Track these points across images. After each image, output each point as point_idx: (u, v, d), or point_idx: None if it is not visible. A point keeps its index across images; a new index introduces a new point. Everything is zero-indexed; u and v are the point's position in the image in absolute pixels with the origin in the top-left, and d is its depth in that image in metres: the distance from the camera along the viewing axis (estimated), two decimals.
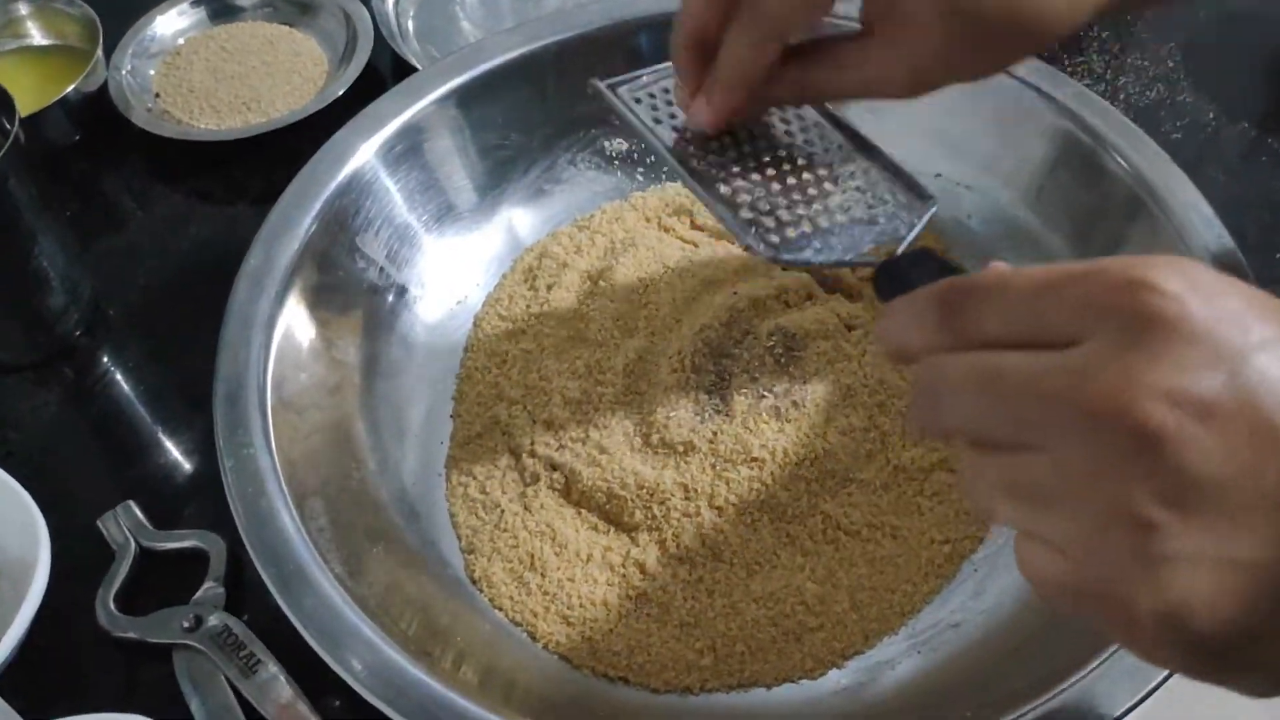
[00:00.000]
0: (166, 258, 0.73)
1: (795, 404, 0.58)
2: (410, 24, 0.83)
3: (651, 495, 0.56)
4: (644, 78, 0.47)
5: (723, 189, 0.43)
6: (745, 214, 0.42)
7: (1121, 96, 0.77)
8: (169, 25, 0.82)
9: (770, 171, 0.44)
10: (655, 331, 0.62)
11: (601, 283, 0.65)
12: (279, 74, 0.80)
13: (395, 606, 0.50)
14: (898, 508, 0.56)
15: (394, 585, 0.52)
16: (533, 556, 0.55)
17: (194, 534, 0.58)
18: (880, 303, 0.39)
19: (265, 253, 0.58)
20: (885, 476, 0.57)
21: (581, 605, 0.53)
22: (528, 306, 0.65)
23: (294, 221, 0.58)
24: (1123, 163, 0.59)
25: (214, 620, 0.54)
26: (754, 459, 0.56)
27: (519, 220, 0.69)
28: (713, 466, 0.56)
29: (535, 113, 0.69)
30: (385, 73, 0.82)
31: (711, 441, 0.56)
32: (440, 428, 0.61)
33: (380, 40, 0.80)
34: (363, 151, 0.61)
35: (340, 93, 0.78)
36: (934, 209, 0.42)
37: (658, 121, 0.46)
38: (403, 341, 0.63)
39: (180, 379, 0.67)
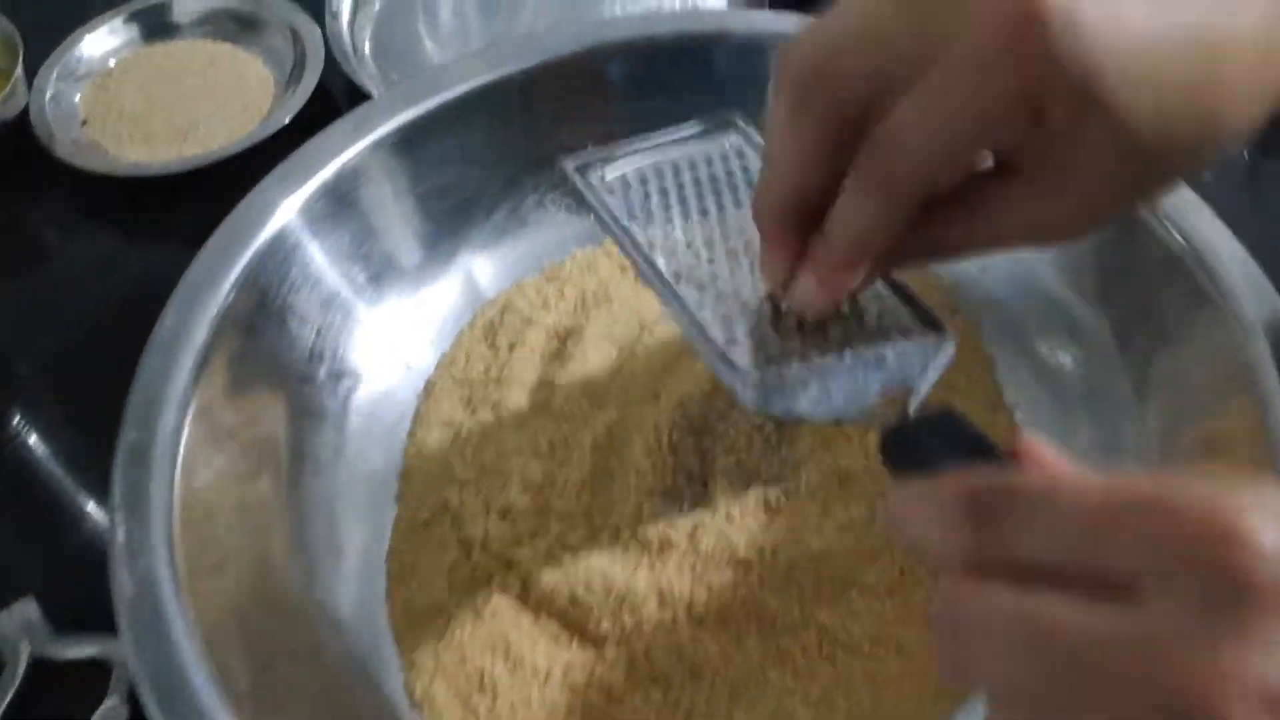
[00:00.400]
0: (88, 306, 0.65)
1: (786, 493, 0.50)
2: (366, 44, 0.76)
3: (621, 602, 0.48)
4: (619, 159, 0.41)
5: (701, 308, 0.36)
6: (724, 341, 0.35)
7: None
8: (98, 44, 0.74)
9: (760, 284, 0.37)
10: (629, 403, 0.54)
11: (570, 343, 0.58)
12: (220, 98, 0.72)
13: None
14: (904, 617, 0.49)
15: (319, 713, 0.44)
16: (482, 674, 0.48)
17: (99, 640, 0.50)
18: (889, 475, 0.33)
19: (180, 318, 0.50)
20: (890, 580, 0.49)
21: None
22: (486, 369, 0.58)
23: (212, 283, 0.51)
24: (1162, 218, 0.52)
25: None
26: (739, 560, 0.48)
27: (480, 269, 0.62)
28: (692, 568, 0.49)
29: (499, 147, 0.61)
30: (339, 95, 0.75)
31: (691, 537, 0.49)
32: (383, 514, 0.54)
33: (332, 60, 0.73)
34: (285, 209, 0.53)
35: (287, 120, 0.70)
36: (952, 348, 0.36)
37: (631, 217, 0.39)
38: (338, 420, 0.55)
39: (99, 448, 0.58)
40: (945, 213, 0.33)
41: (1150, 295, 0.52)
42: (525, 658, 0.48)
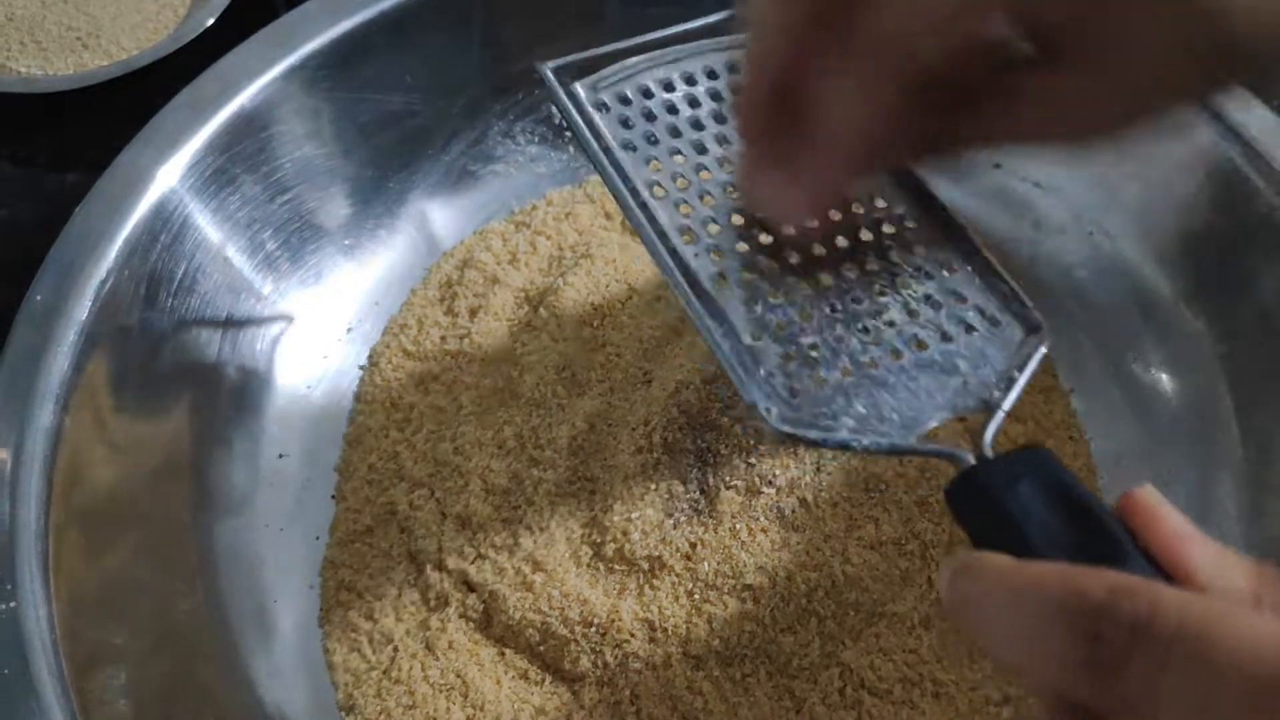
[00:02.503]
0: None
1: (804, 503, 0.42)
2: None
3: (603, 635, 0.40)
4: (613, 66, 0.31)
5: (719, 289, 0.28)
6: (746, 333, 0.27)
7: None
8: None
9: (794, 257, 0.29)
10: (614, 388, 0.45)
11: (543, 310, 0.48)
12: None
13: None
14: (942, 653, 0.41)
15: None
16: None
17: None
18: (958, 525, 0.26)
19: (57, 288, 0.40)
20: (925, 608, 0.41)
21: None
22: (443, 339, 0.49)
23: (95, 248, 0.41)
24: (1267, 174, 0.42)
25: None
26: (747, 586, 0.40)
27: (435, 215, 0.52)
28: (689, 594, 0.40)
29: (458, 66, 0.51)
30: None
31: (688, 557, 0.41)
32: (317, 516, 0.45)
33: None
34: (165, 174, 0.42)
35: (209, 22, 0.59)
36: (1044, 349, 0.28)
37: (627, 146, 0.30)
38: (258, 401, 0.46)
39: None
40: (958, 103, 0.27)
41: (1246, 266, 0.44)
42: (488, 701, 0.40)
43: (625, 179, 0.30)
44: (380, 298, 0.50)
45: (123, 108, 0.57)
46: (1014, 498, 0.24)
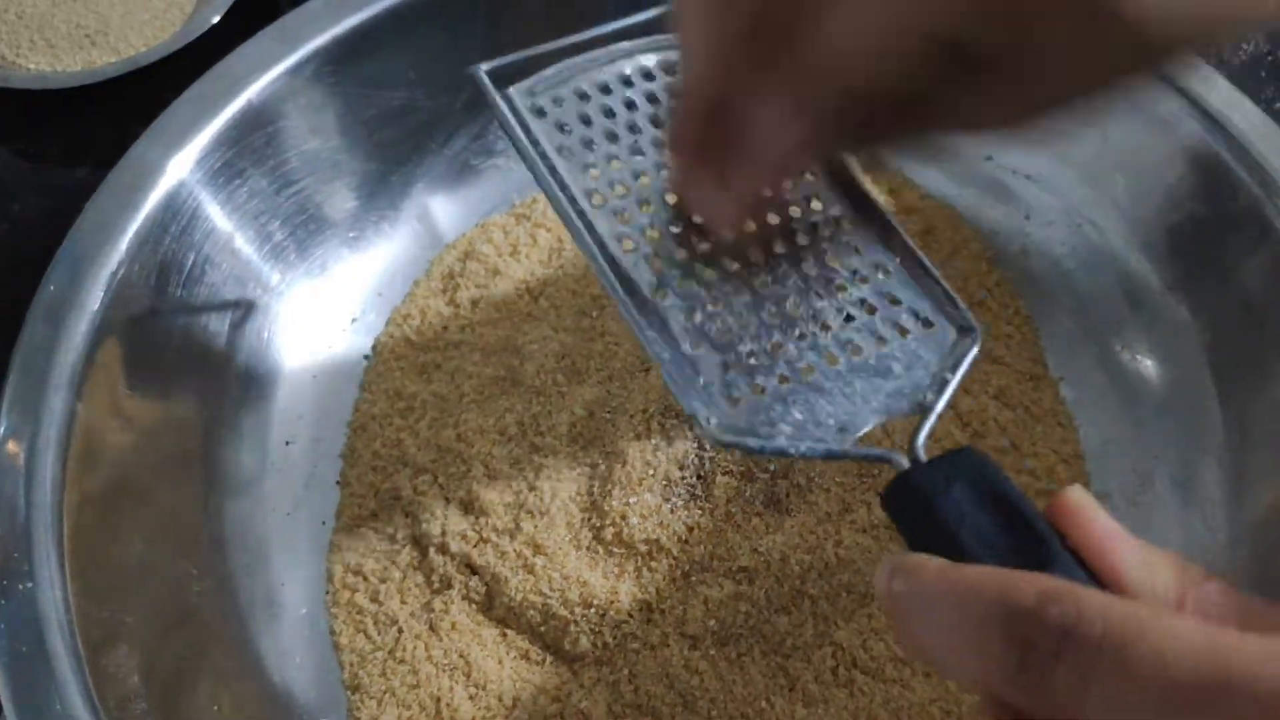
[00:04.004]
0: None
1: (798, 487, 0.43)
2: None
3: (602, 615, 0.41)
4: (550, 69, 0.31)
5: (660, 297, 0.28)
6: (684, 341, 0.27)
7: (1210, 49, 0.60)
8: None
9: (733, 264, 0.29)
10: (613, 376, 0.46)
11: (543, 300, 0.49)
12: None
13: None
14: None
15: None
16: (438, 701, 0.41)
17: None
18: (898, 531, 0.26)
19: (70, 279, 0.41)
20: None
21: None
22: (445, 329, 0.50)
23: (106, 242, 0.42)
24: (1251, 168, 0.43)
25: None
26: (742, 568, 0.41)
27: (438, 208, 0.53)
28: (686, 576, 0.41)
29: (459, 62, 0.51)
30: None
31: (685, 541, 0.42)
32: (323, 502, 0.46)
33: None
34: (176, 166, 0.44)
35: (215, 20, 0.60)
36: (976, 350, 0.28)
37: (564, 152, 0.30)
38: (265, 390, 0.47)
39: None
40: (893, 112, 0.26)
41: (1230, 257, 0.44)
42: (490, 680, 0.41)
43: (563, 187, 0.29)
44: (384, 289, 0.51)
45: (130, 104, 0.58)
46: (947, 501, 0.24)
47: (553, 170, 0.29)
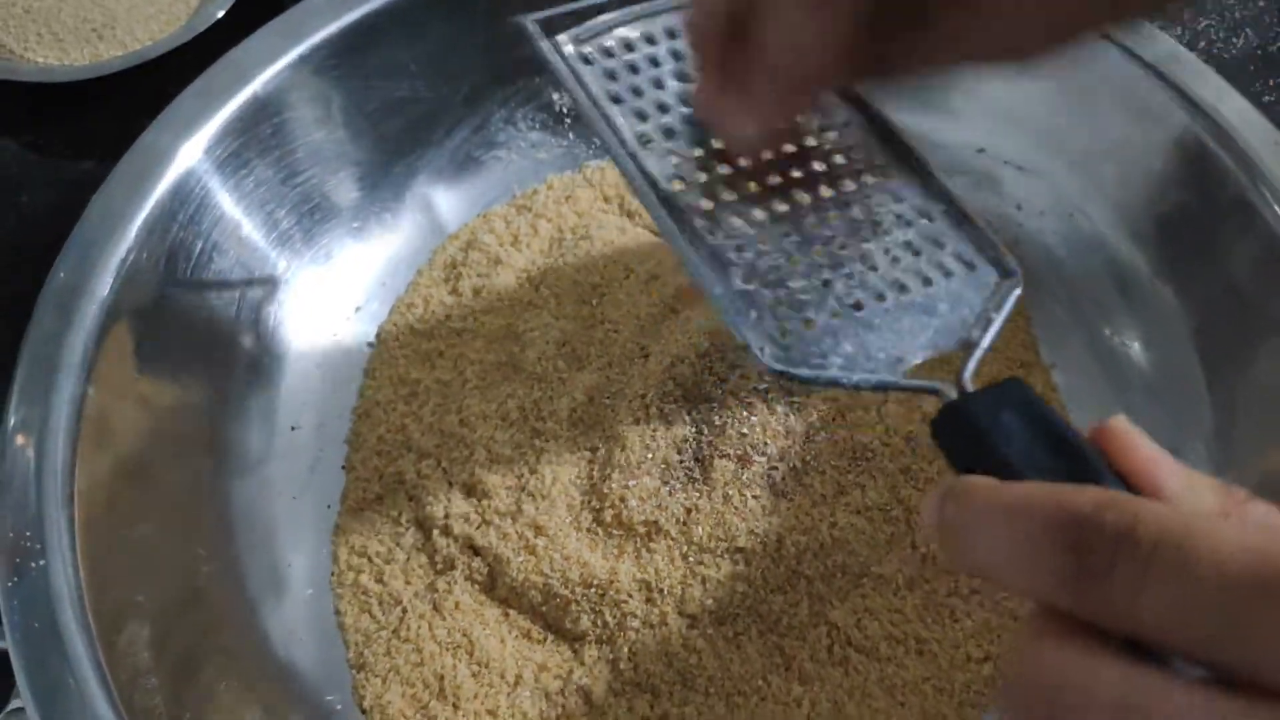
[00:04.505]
0: None
1: (794, 471, 0.44)
2: None
3: (602, 595, 0.42)
4: (593, 21, 0.32)
5: (711, 235, 0.29)
6: (738, 278, 0.28)
7: (1201, 44, 0.61)
8: None
9: (782, 206, 0.30)
10: (613, 362, 0.47)
11: (544, 289, 0.50)
12: None
13: None
14: (925, 613, 0.43)
15: None
16: (442, 679, 0.41)
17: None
18: (946, 459, 0.26)
19: (79, 266, 0.42)
20: (910, 570, 0.43)
21: None
22: (447, 317, 0.50)
23: (115, 230, 0.43)
24: (1237, 156, 0.44)
25: None
26: (739, 549, 0.42)
27: (440, 199, 0.54)
28: (684, 557, 0.42)
29: (461, 55, 0.53)
30: None
31: (683, 522, 0.43)
32: (328, 486, 0.47)
33: None
34: (186, 153, 0.44)
35: (219, 15, 0.61)
36: (1019, 291, 0.29)
37: (616, 100, 0.31)
38: (271, 377, 0.48)
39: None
40: (904, 32, 0.28)
41: (1217, 243, 0.45)
42: (492, 659, 0.42)
43: (614, 129, 0.30)
44: (387, 278, 0.52)
45: (136, 97, 0.59)
46: (997, 426, 0.25)
47: (604, 115, 0.30)
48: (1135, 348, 0.48)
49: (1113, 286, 0.49)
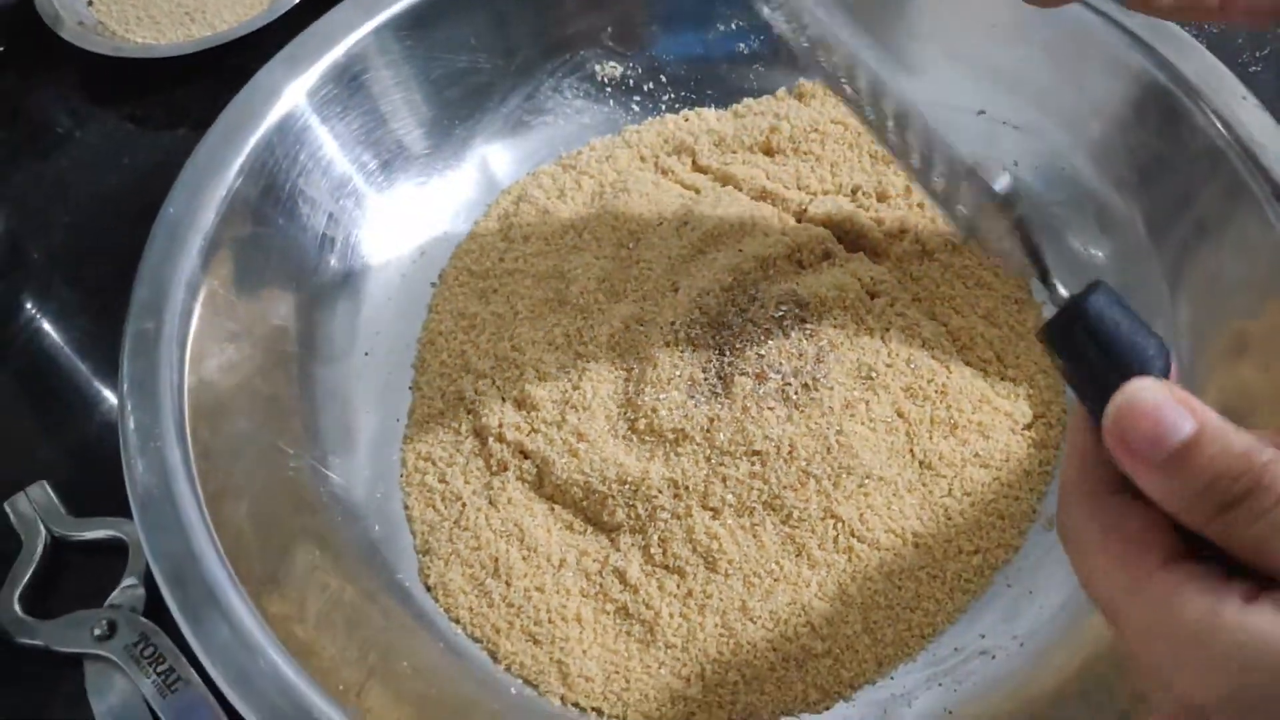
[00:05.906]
0: (97, 191, 0.64)
1: (806, 387, 0.49)
2: None
3: (636, 491, 0.48)
4: None
5: None
6: None
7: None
8: None
9: None
10: (646, 296, 0.53)
11: (586, 234, 0.56)
12: None
13: (328, 627, 0.42)
14: (922, 512, 0.48)
15: (330, 600, 0.44)
16: (496, 561, 0.48)
17: (114, 522, 0.50)
18: (1062, 370, 0.29)
19: (188, 201, 0.49)
20: (910, 475, 0.49)
21: (551, 621, 0.46)
22: (501, 259, 0.57)
23: (220, 166, 0.50)
24: (1206, 109, 0.49)
25: (130, 628, 0.47)
26: (756, 452, 0.48)
27: (495, 158, 0.60)
28: (707, 459, 0.48)
29: (514, 30, 0.60)
30: None
31: (707, 430, 0.48)
32: (397, 402, 0.53)
33: None
34: (292, 92, 0.52)
35: (296, 0, 0.68)
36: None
37: None
38: (350, 307, 0.54)
39: (110, 334, 0.58)
40: None
41: (1188, 188, 0.50)
42: (540, 545, 0.48)
43: None
44: (448, 228, 0.59)
45: (223, 73, 0.66)
46: (1118, 333, 0.27)
47: None
48: (1101, 257, 0.54)
49: (1098, 229, 0.54)
